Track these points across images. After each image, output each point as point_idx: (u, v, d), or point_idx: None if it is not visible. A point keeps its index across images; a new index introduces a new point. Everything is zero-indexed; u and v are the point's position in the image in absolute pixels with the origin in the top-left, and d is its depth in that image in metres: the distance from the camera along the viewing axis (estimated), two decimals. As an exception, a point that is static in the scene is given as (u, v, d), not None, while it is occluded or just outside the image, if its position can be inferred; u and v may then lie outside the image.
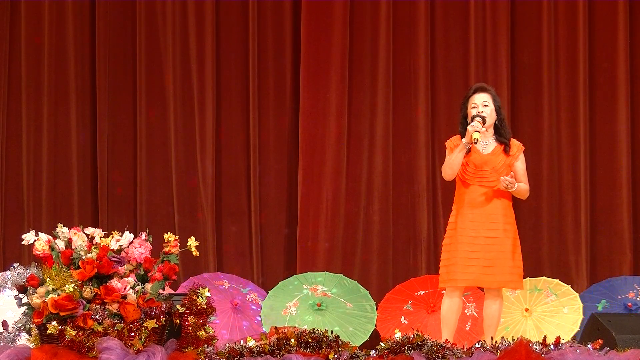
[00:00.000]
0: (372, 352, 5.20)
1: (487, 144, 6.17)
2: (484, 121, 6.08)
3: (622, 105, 8.37)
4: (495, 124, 6.18)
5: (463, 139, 6.08)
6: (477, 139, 6.00)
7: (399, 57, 8.44)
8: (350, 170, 8.40)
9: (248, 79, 8.43)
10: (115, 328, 5.12)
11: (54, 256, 5.35)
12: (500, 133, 6.20)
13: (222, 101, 8.46)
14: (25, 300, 5.33)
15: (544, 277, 7.81)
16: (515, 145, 6.22)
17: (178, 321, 5.27)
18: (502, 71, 8.37)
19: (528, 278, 7.77)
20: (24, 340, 5.46)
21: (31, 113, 8.38)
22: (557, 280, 7.75)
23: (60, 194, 8.38)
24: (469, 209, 6.13)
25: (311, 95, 8.37)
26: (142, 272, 5.38)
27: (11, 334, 5.53)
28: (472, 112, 6.13)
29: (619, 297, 7.67)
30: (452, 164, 6.14)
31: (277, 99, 8.48)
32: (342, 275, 7.96)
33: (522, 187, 6.16)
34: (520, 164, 6.20)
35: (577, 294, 7.64)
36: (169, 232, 5.53)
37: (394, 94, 8.42)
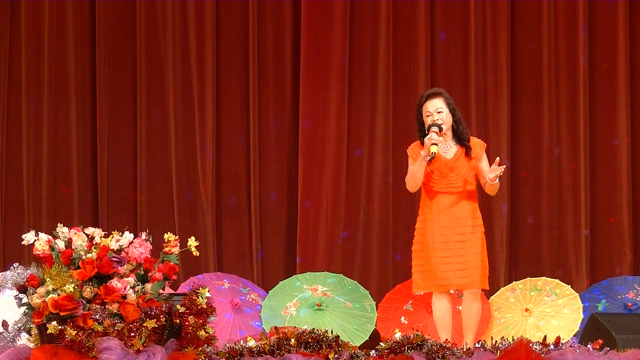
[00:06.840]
0: (372, 352, 5.21)
1: (448, 148, 6.20)
2: (440, 129, 6.08)
3: (622, 105, 8.36)
4: (452, 126, 6.19)
5: (422, 151, 6.10)
6: (435, 153, 6.03)
7: (399, 57, 8.43)
8: (350, 170, 8.40)
9: (248, 79, 8.43)
10: (115, 328, 5.12)
11: (54, 256, 5.35)
12: (459, 135, 6.20)
13: (222, 101, 8.45)
14: (25, 300, 5.33)
15: (544, 277, 7.80)
16: (477, 144, 6.24)
17: (178, 321, 5.27)
18: (502, 71, 8.36)
19: (528, 278, 7.78)
20: (24, 340, 5.46)
21: (31, 113, 8.38)
22: (557, 280, 7.74)
23: (60, 194, 8.38)
24: (437, 215, 6.19)
25: (311, 95, 8.36)
26: (142, 272, 5.39)
27: (11, 334, 5.53)
28: (427, 120, 6.15)
29: (619, 297, 7.67)
30: (414, 178, 6.18)
31: (277, 99, 8.47)
32: (342, 275, 7.96)
33: (497, 182, 6.19)
34: (484, 164, 6.21)
35: (577, 294, 7.63)
36: (169, 232, 5.54)
37: (394, 94, 8.41)
